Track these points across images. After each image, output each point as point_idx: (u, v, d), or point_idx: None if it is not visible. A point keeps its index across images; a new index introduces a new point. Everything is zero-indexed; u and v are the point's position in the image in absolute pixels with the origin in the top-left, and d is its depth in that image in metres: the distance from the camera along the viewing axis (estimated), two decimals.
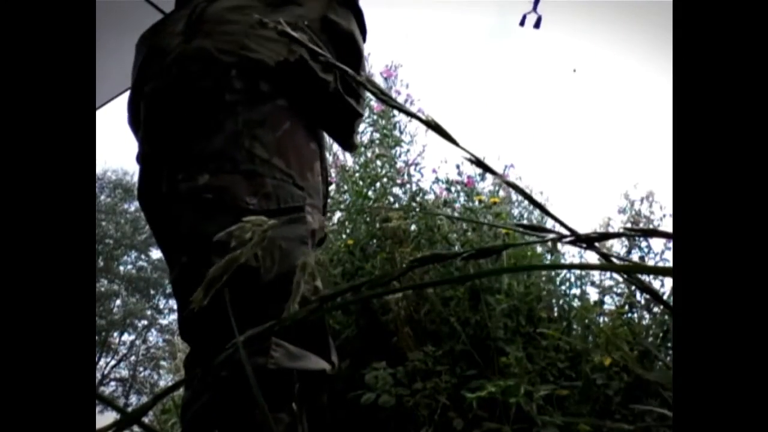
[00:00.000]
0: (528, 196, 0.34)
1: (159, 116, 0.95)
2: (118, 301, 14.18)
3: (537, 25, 1.31)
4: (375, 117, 2.94)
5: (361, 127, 2.98)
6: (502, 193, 2.73)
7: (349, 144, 1.08)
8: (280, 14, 0.94)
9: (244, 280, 0.80)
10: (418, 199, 2.67)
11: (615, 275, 2.27)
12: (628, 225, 2.75)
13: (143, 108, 0.97)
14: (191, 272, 0.86)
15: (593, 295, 2.41)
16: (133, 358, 13.88)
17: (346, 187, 2.69)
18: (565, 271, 2.41)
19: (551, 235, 0.32)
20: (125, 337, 14.06)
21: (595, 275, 2.41)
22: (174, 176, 0.89)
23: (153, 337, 14.28)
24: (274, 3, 0.97)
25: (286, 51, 0.91)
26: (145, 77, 0.98)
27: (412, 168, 2.82)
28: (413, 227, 2.38)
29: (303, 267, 0.32)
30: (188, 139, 0.90)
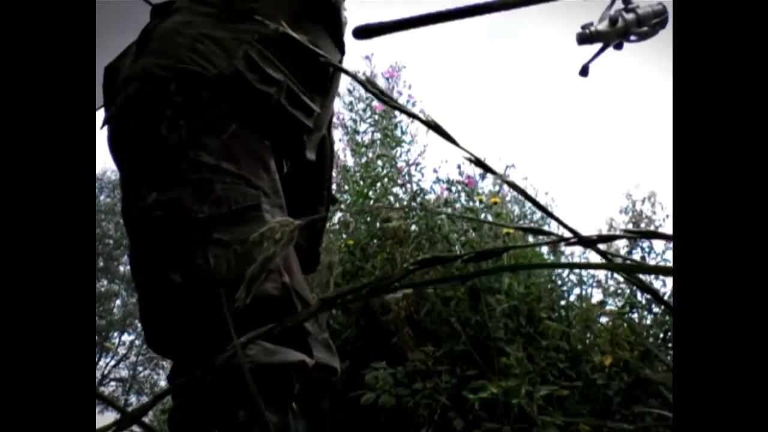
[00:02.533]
0: (527, 196, 0.34)
1: (116, 144, 0.95)
2: (118, 301, 14.17)
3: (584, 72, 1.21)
4: (376, 117, 2.94)
5: (363, 127, 2.98)
6: (507, 195, 2.73)
7: (302, 160, 1.02)
8: (231, 28, 0.93)
9: (201, 287, 0.80)
10: (418, 199, 2.67)
11: (616, 275, 2.27)
12: (630, 225, 2.75)
13: (107, 138, 0.97)
14: (152, 291, 0.86)
15: (594, 295, 2.42)
16: (133, 358, 13.88)
17: (346, 187, 2.69)
18: (565, 271, 2.41)
19: (552, 237, 0.32)
20: (125, 337, 14.06)
21: (597, 275, 2.41)
22: (128, 200, 0.90)
23: None
24: (227, 18, 0.95)
25: (226, 64, 0.90)
26: (106, 105, 0.98)
27: (412, 168, 2.82)
28: (414, 227, 2.38)
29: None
30: (137, 160, 0.90)
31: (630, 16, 1.08)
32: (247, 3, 0.96)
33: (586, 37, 1.09)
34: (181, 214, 0.84)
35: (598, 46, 1.12)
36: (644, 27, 1.09)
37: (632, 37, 1.11)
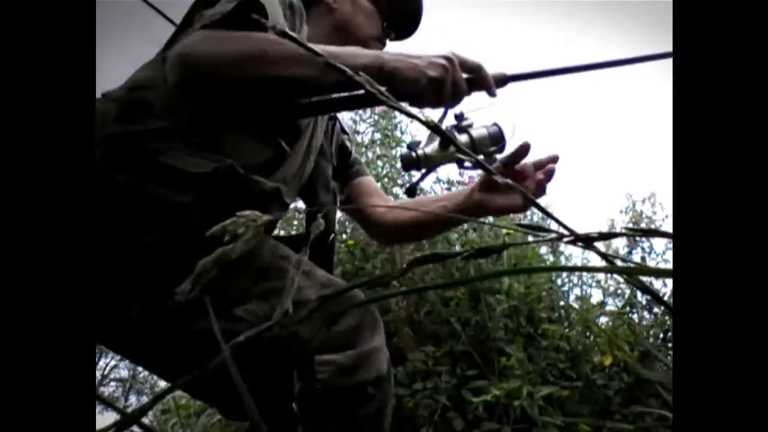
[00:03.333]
0: (526, 196, 0.34)
1: None
2: None
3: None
4: (376, 117, 2.94)
5: (362, 127, 2.98)
6: None
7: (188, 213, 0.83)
8: (119, 124, 0.86)
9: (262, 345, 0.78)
10: None
11: (616, 275, 2.27)
12: (630, 225, 2.75)
13: None
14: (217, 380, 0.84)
15: (594, 295, 2.42)
16: None
17: None
18: (565, 272, 2.41)
19: (551, 235, 0.32)
20: None
21: (596, 275, 2.41)
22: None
23: None
24: (122, 115, 0.86)
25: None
26: None
27: None
28: None
29: (297, 264, 0.32)
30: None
31: (463, 138, 0.90)
32: (144, 92, 0.88)
33: (411, 162, 0.89)
34: (173, 315, 0.77)
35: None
36: (479, 155, 0.91)
37: (467, 164, 0.95)
